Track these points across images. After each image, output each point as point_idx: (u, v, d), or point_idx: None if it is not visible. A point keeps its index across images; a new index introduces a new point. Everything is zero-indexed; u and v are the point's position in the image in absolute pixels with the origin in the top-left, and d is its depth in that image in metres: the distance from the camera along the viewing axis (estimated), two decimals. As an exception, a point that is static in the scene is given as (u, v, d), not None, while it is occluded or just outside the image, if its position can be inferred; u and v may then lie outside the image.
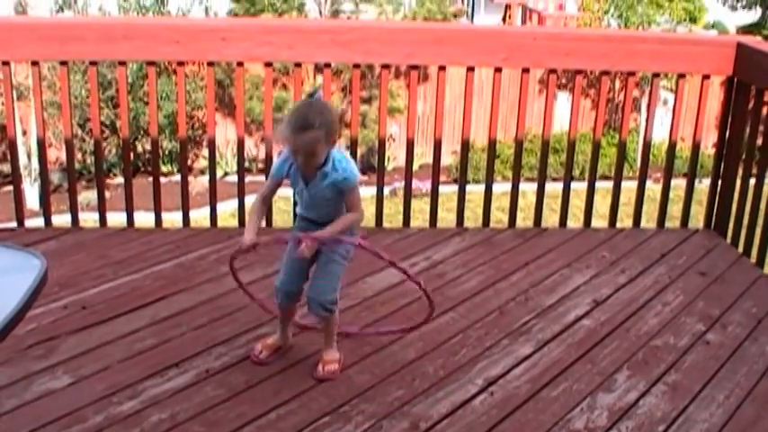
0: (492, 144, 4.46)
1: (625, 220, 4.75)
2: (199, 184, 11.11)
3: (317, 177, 2.78)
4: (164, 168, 12.82)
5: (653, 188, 5.33)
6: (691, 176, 4.53)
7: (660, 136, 10.99)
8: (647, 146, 4.50)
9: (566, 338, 3.32)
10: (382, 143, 4.43)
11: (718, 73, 4.35)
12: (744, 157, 4.32)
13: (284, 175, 2.86)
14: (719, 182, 4.47)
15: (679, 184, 4.81)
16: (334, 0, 15.26)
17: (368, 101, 13.37)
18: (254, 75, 12.20)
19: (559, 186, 4.50)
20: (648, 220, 4.74)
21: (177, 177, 4.59)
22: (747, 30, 15.72)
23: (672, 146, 4.50)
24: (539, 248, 4.19)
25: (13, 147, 4.37)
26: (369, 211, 5.07)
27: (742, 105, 4.32)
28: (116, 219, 4.53)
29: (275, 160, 2.94)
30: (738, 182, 4.34)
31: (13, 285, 1.91)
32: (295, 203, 3.11)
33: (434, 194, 4.46)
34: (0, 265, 2.09)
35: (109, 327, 3.26)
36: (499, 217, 5.28)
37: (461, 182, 4.46)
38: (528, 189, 5.08)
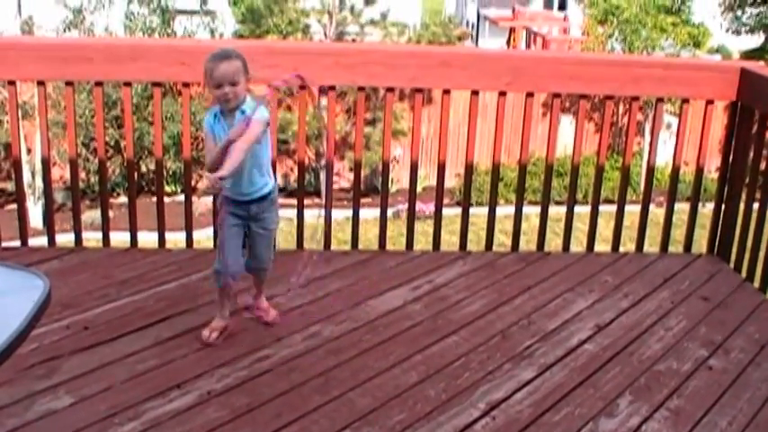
0: (496, 167, 4.46)
1: (628, 244, 4.75)
2: (202, 204, 11.10)
3: (239, 119, 3.09)
4: (167, 188, 12.86)
5: (656, 212, 5.31)
6: (694, 201, 4.53)
7: (663, 160, 10.99)
8: (650, 170, 4.50)
9: (568, 363, 3.31)
10: (386, 165, 4.43)
11: (722, 98, 4.37)
12: (747, 181, 4.33)
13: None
14: (723, 206, 4.47)
15: (682, 208, 4.81)
16: (338, 22, 15.36)
17: (372, 123, 13.42)
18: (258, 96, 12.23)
19: (562, 210, 4.50)
20: (652, 245, 4.73)
21: (181, 197, 4.59)
22: (751, 54, 15.80)
23: (675, 170, 4.51)
24: (542, 272, 4.19)
25: (17, 165, 4.38)
26: (372, 233, 5.08)
27: (745, 130, 4.33)
28: (119, 238, 4.53)
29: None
30: (742, 206, 4.34)
31: (17, 306, 1.91)
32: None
33: (438, 217, 4.47)
34: (3, 286, 2.10)
35: (111, 347, 3.25)
36: (502, 240, 5.28)
37: (465, 205, 4.46)
38: (531, 212, 5.07)
